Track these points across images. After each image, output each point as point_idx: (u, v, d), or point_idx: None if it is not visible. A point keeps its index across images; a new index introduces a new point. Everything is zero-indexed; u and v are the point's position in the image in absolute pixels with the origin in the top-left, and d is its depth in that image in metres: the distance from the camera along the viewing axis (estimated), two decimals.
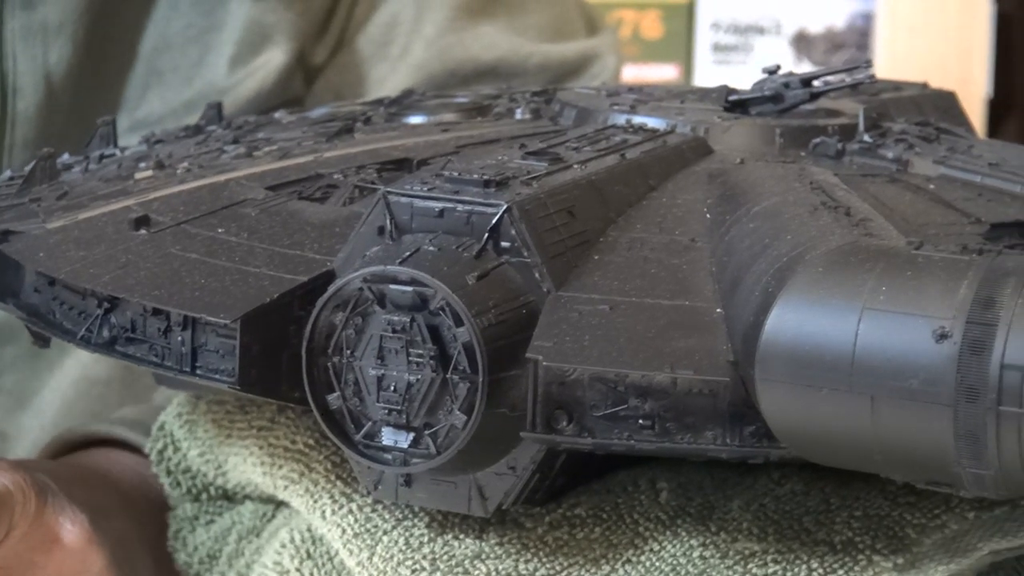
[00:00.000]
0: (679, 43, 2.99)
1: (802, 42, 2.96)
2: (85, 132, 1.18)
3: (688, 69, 2.97)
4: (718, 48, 2.99)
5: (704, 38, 2.98)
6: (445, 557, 0.75)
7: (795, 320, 0.65)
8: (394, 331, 0.71)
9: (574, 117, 0.89)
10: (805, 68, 1.70)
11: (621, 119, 0.87)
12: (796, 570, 0.73)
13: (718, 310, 0.71)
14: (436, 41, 1.24)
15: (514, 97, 0.94)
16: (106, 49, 1.21)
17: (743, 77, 1.11)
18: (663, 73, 2.93)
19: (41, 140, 1.19)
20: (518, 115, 0.91)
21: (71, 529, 0.88)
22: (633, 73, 2.70)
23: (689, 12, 2.98)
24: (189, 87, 1.22)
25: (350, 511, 0.77)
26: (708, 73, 2.96)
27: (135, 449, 0.96)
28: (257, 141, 0.89)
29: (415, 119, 0.91)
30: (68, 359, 1.22)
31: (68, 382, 1.22)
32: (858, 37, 2.93)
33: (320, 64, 1.26)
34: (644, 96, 0.94)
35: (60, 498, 0.88)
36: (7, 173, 0.94)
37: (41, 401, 1.23)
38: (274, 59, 1.22)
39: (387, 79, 1.23)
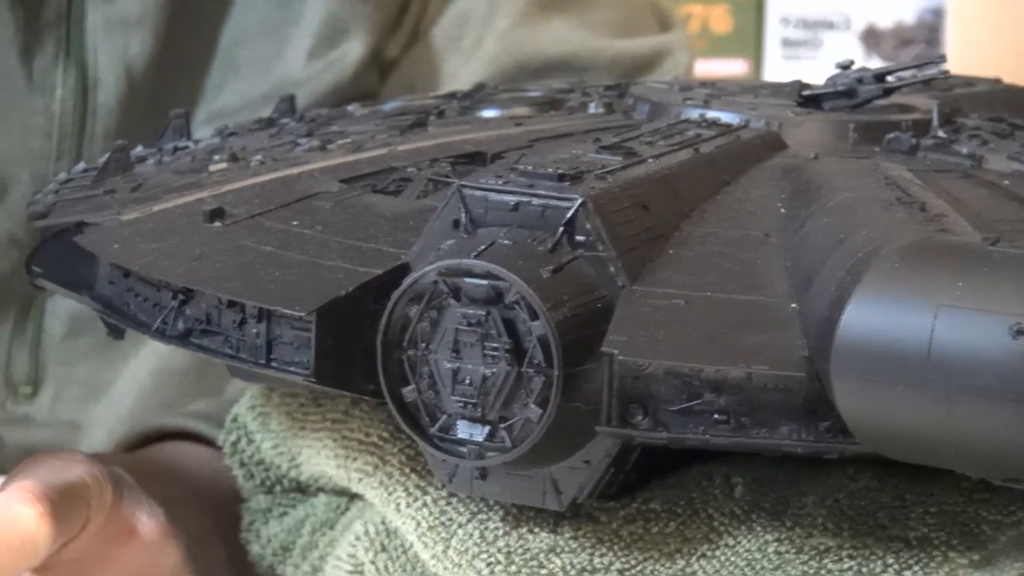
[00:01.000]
0: (748, 38, 2.99)
1: (871, 37, 2.96)
2: (164, 118, 1.20)
3: (757, 64, 2.97)
4: (787, 43, 2.99)
5: (773, 33, 2.98)
6: (520, 551, 0.75)
7: (870, 316, 0.65)
8: (469, 324, 0.71)
9: (647, 112, 0.89)
10: (875, 63, 1.70)
11: (694, 114, 0.87)
12: (872, 566, 0.73)
13: (793, 305, 0.71)
14: (507, 35, 1.25)
15: (587, 91, 0.94)
16: (185, 42, 1.22)
17: (812, 72, 1.11)
18: (732, 68, 2.93)
19: (121, 131, 1.20)
20: (591, 109, 0.91)
21: (147, 522, 0.88)
22: (702, 68, 2.70)
23: (758, 7, 2.98)
24: (266, 80, 1.22)
25: (425, 504, 0.78)
26: (777, 68, 2.96)
27: (209, 442, 0.97)
28: (330, 134, 0.90)
29: (488, 113, 0.91)
30: (143, 350, 1.22)
31: (143, 373, 1.23)
32: (927, 32, 2.93)
33: (394, 58, 1.26)
34: (717, 91, 0.94)
35: (136, 491, 0.88)
36: (81, 165, 0.95)
37: (115, 392, 1.23)
38: (351, 52, 1.22)
39: (459, 72, 1.24)
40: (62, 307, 1.22)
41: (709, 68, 2.82)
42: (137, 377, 1.23)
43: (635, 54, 1.27)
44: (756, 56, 2.99)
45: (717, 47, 2.95)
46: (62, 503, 0.84)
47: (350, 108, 0.97)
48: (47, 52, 1.20)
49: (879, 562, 0.73)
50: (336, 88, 1.20)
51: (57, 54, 1.20)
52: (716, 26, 2.97)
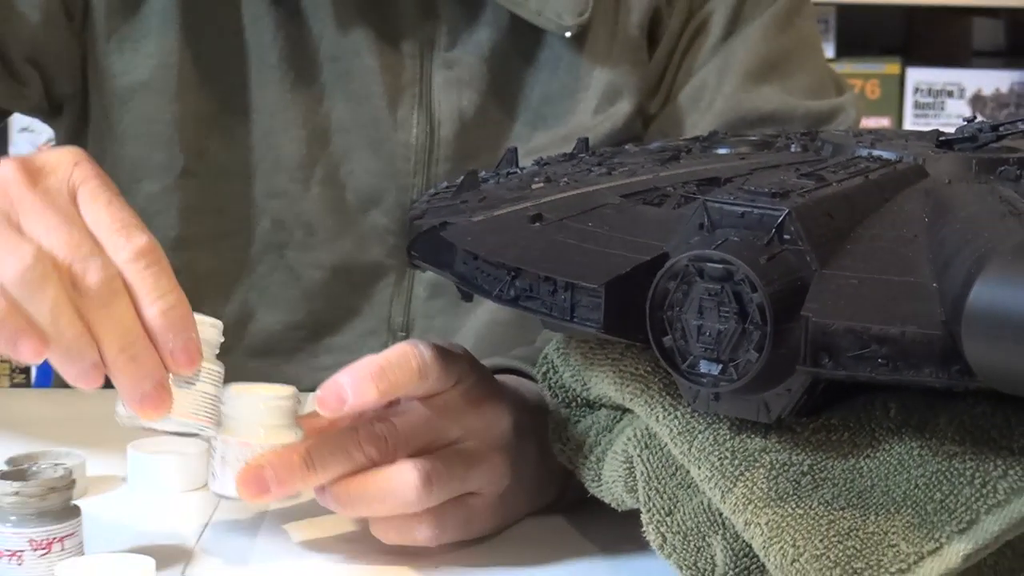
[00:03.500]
0: (892, 102, 2.95)
1: (978, 102, 2.93)
2: (487, 154, 1.20)
3: (898, 121, 2.93)
4: (918, 105, 2.96)
5: (909, 99, 2.94)
6: (740, 450, 0.75)
7: (991, 293, 0.64)
8: (709, 295, 0.71)
9: (831, 150, 0.88)
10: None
11: (864, 152, 0.86)
12: (986, 465, 0.72)
13: (934, 285, 0.70)
14: (731, 98, 1.23)
15: (789, 136, 0.93)
16: (503, 99, 1.21)
17: (936, 126, 1.09)
18: (880, 123, 2.89)
19: (457, 157, 1.20)
20: (792, 149, 0.91)
21: (492, 399, 0.88)
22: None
23: (900, 80, 2.94)
24: (564, 127, 1.21)
25: (676, 416, 0.78)
26: (911, 124, 2.93)
27: (524, 375, 0.97)
28: (614, 164, 0.90)
29: (721, 151, 0.91)
30: (479, 309, 1.22)
31: (480, 325, 1.23)
32: (1017, 98, 2.91)
33: (654, 113, 1.25)
34: (879, 136, 0.93)
35: (489, 378, 0.89)
36: (443, 183, 0.95)
37: (460, 337, 1.23)
38: (622, 109, 1.21)
39: (698, 124, 1.22)
40: (425, 278, 1.23)
41: (864, 123, 2.79)
42: (476, 327, 1.23)
43: (820, 111, 1.25)
44: (898, 115, 2.94)
45: (870, 108, 2.92)
46: (448, 359, 0.86)
47: (627, 147, 0.97)
48: (406, 103, 1.20)
49: (991, 463, 0.72)
50: (612, 134, 1.19)
51: (413, 105, 1.20)
52: (870, 93, 2.93)
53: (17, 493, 0.80)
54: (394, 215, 1.21)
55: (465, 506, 0.87)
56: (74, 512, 0.82)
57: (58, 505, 0.82)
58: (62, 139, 1.26)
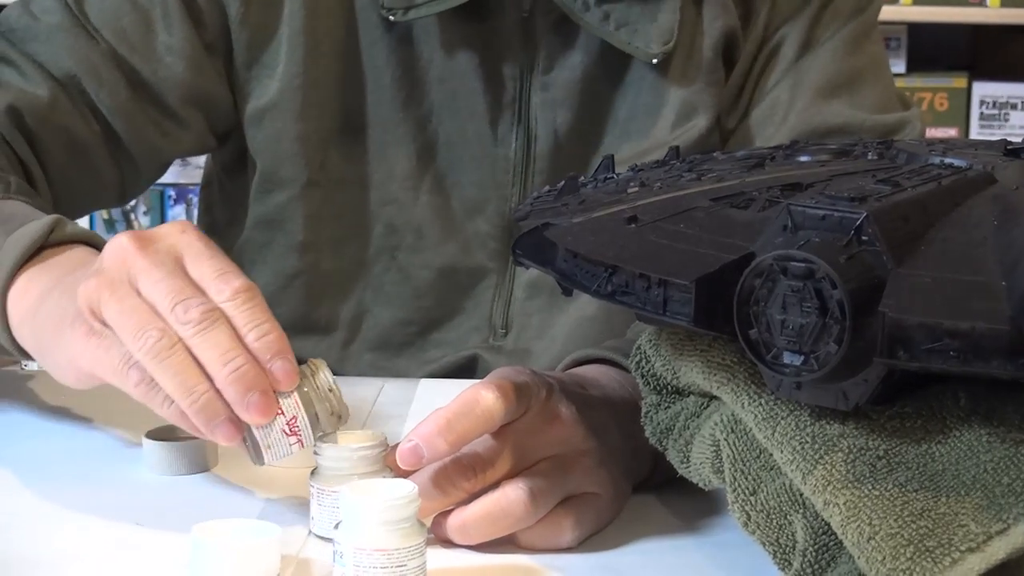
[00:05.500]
0: (959, 114, 2.93)
1: None
2: (578, 167, 1.21)
3: (965, 132, 2.91)
4: (984, 117, 2.93)
5: (975, 111, 2.92)
6: (820, 435, 0.75)
7: None
8: (792, 291, 0.72)
9: (905, 158, 0.88)
10: None
11: (936, 160, 0.85)
12: None
13: (1002, 283, 0.70)
14: (803, 112, 1.23)
15: (866, 145, 0.93)
16: (594, 117, 1.23)
17: (1001, 137, 1.08)
18: (948, 134, 2.87)
19: (551, 170, 1.22)
20: (869, 156, 0.90)
21: (566, 412, 0.89)
22: (928, 134, 2.67)
23: (967, 94, 2.92)
24: (646, 141, 1.22)
25: (760, 404, 0.77)
26: (976, 135, 2.91)
27: (615, 364, 0.97)
28: (703, 170, 0.89)
29: (803, 158, 0.90)
30: (571, 306, 1.24)
31: (571, 322, 1.24)
32: None
33: (731, 128, 1.26)
34: (950, 146, 0.92)
35: (560, 394, 0.89)
36: (546, 188, 0.96)
37: (554, 333, 1.24)
38: (698, 124, 1.22)
39: (772, 138, 1.23)
40: (524, 281, 1.24)
41: (932, 134, 2.76)
42: (568, 324, 1.24)
43: (887, 124, 1.25)
44: (965, 126, 2.92)
45: (938, 120, 2.89)
46: (514, 393, 0.86)
47: (715, 154, 0.97)
48: (506, 121, 1.22)
49: None
50: (688, 148, 1.19)
51: (512, 122, 1.22)
52: (937, 106, 2.91)
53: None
54: (495, 222, 1.23)
55: (576, 507, 0.88)
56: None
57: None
58: (225, 161, 1.30)
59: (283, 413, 0.83)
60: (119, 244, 0.86)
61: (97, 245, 0.97)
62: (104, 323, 0.84)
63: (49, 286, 0.92)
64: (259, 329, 0.83)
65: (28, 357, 0.96)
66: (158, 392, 0.83)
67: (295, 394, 0.83)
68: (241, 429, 0.83)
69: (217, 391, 0.82)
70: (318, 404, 0.84)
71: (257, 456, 0.84)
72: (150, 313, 0.83)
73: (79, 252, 0.96)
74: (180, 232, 0.86)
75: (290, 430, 0.83)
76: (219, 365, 0.82)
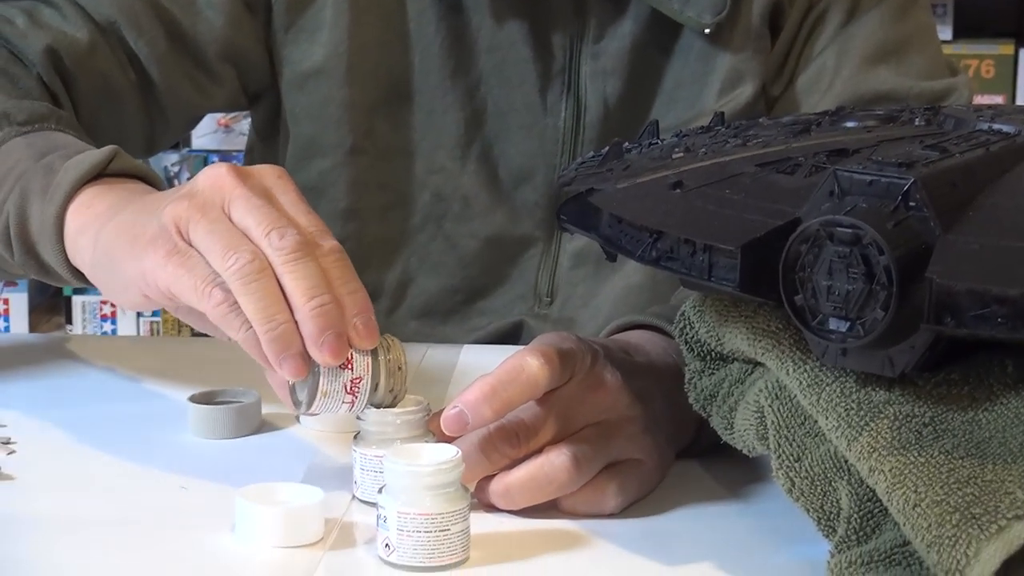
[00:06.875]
0: (1006, 81, 2.90)
1: None
2: (628, 135, 1.20)
3: (1012, 99, 2.89)
4: None
5: (1022, 77, 2.90)
6: (866, 402, 0.75)
7: None
8: (839, 257, 0.71)
9: (953, 124, 0.87)
10: None
11: (984, 126, 0.84)
12: None
13: None
14: (849, 80, 1.22)
15: (913, 111, 0.92)
16: (643, 85, 1.22)
17: None
18: (994, 101, 2.85)
19: (600, 139, 1.21)
20: (916, 122, 0.89)
21: (610, 379, 0.88)
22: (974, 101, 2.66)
23: (1014, 61, 2.90)
24: (692, 109, 1.22)
25: (805, 370, 0.77)
26: (1023, 102, 2.88)
27: (659, 331, 0.97)
28: (748, 136, 0.89)
29: (849, 124, 0.90)
30: (616, 275, 1.23)
31: (616, 290, 1.24)
32: None
33: (777, 95, 1.25)
34: (998, 112, 0.91)
35: (605, 360, 0.89)
36: (590, 153, 0.95)
37: (598, 302, 1.24)
38: (744, 92, 1.21)
39: (818, 105, 1.22)
40: (569, 249, 1.24)
41: (978, 101, 2.74)
42: (613, 292, 1.23)
43: (934, 90, 1.24)
44: (1012, 93, 2.90)
45: (985, 87, 2.87)
46: (559, 360, 0.85)
47: (760, 120, 0.96)
48: (555, 90, 1.21)
49: None
50: (734, 115, 1.18)
51: (562, 91, 1.22)
52: (984, 73, 2.88)
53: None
54: (543, 191, 1.23)
55: (620, 473, 0.87)
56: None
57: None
58: (259, 126, 1.30)
59: (351, 368, 0.82)
60: (216, 171, 0.85)
61: (153, 182, 0.97)
62: (190, 243, 0.84)
63: (117, 203, 0.91)
64: (350, 285, 0.83)
65: (64, 279, 0.95)
66: (237, 315, 0.82)
67: (368, 356, 0.83)
68: (307, 367, 0.82)
69: (296, 326, 0.81)
70: (384, 376, 0.84)
71: (308, 402, 0.83)
72: (242, 237, 0.82)
73: (139, 185, 0.96)
74: (277, 177, 0.86)
75: (351, 387, 0.83)
76: (305, 297, 0.81)
